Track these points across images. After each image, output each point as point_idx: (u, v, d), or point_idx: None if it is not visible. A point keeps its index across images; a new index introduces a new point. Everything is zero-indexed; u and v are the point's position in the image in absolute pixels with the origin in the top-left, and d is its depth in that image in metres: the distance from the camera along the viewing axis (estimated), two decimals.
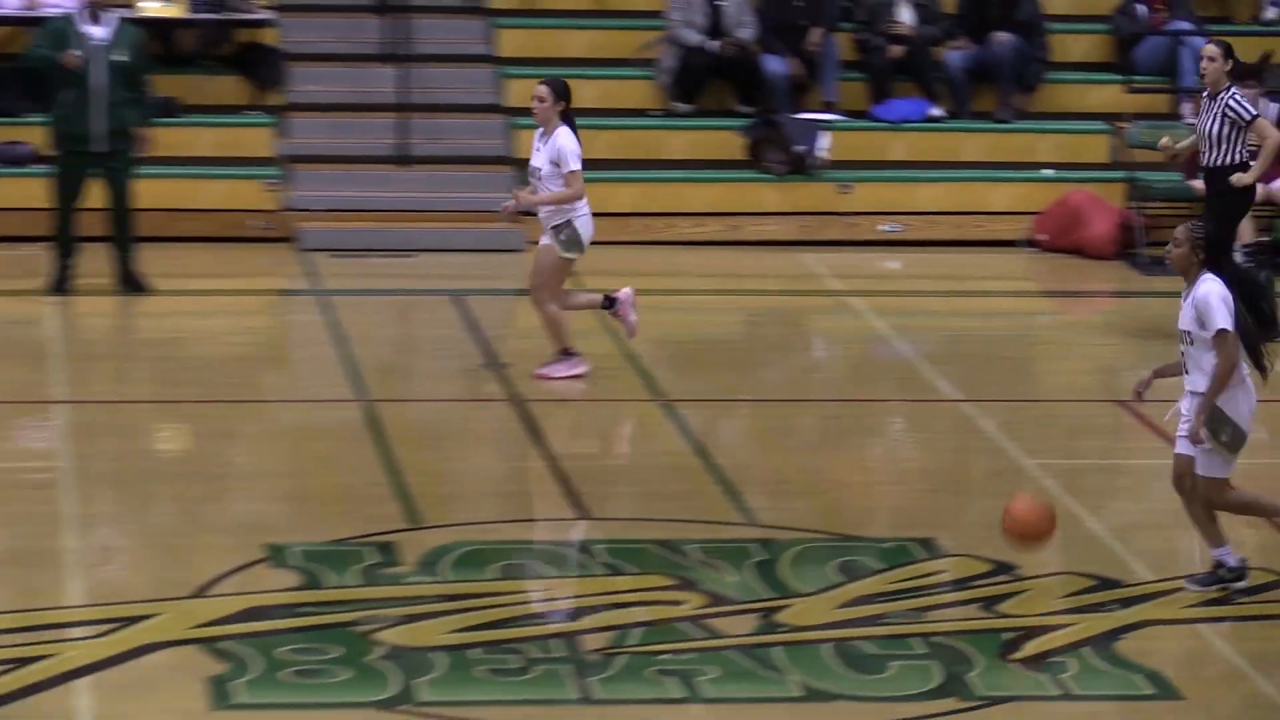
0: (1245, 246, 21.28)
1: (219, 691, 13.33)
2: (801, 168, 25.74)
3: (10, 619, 14.43)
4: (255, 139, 24.96)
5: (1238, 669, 14.15)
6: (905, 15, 27.36)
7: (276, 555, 15.62)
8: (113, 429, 19.01)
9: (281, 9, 25.77)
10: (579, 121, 18.35)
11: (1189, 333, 14.60)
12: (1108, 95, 27.20)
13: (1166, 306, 16.60)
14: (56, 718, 13.13)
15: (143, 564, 15.93)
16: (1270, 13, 27.94)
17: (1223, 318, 14.42)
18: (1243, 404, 14.91)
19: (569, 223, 18.69)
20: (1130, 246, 25.11)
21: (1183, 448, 14.93)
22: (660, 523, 16.10)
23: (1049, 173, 26.60)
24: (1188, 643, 14.72)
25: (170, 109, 23.76)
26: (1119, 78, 27.07)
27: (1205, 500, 15.06)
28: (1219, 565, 15.20)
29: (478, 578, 15.16)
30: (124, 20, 21.83)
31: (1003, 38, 26.67)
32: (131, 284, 21.98)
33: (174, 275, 22.63)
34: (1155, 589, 15.36)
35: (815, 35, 26.55)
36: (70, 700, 13.28)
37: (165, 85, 23.70)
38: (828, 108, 26.63)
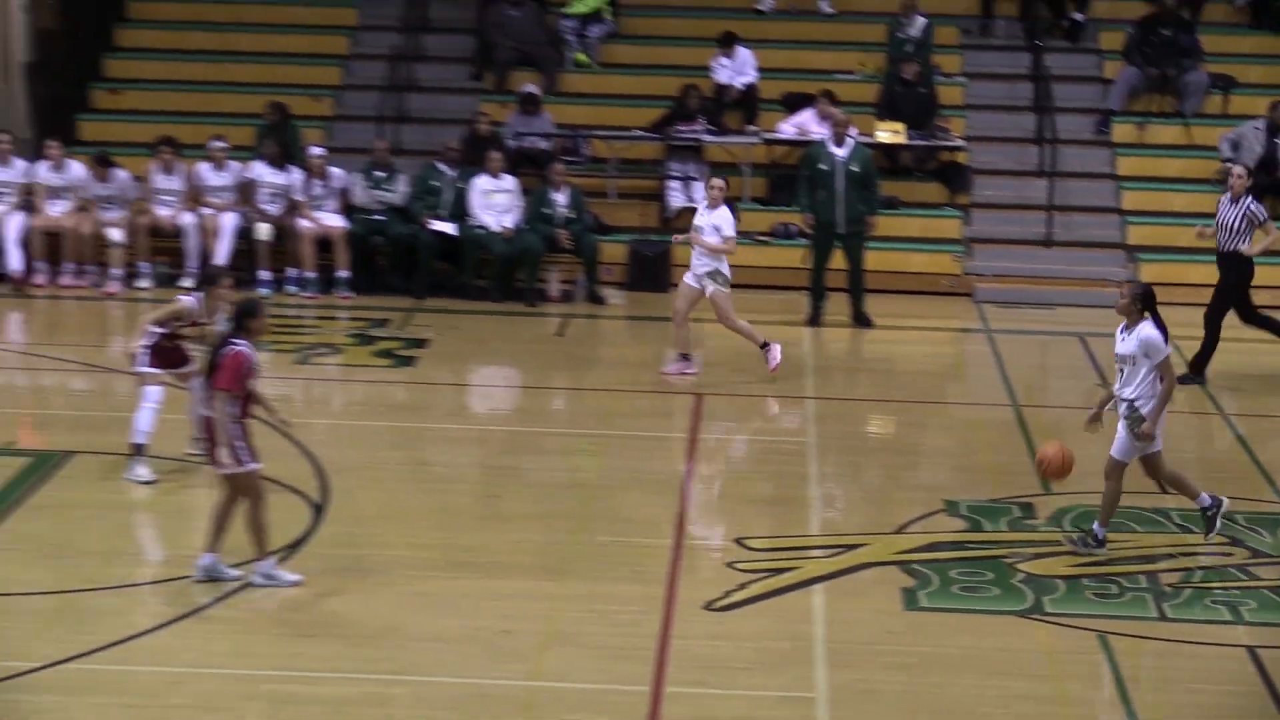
0: None
1: (909, 598, 13.87)
2: None
3: (770, 541, 15.00)
4: (948, 226, 24.49)
5: None
6: None
7: (950, 508, 15.91)
8: (842, 417, 19.12)
9: (970, 139, 25.33)
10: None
11: (1131, 357, 14.39)
12: None
13: None
14: (799, 610, 13.66)
15: (859, 509, 16.24)
16: None
17: (1166, 349, 14.36)
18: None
19: None
20: None
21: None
22: None
23: None
24: None
25: (891, 204, 23.54)
26: None
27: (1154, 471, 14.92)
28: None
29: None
30: (859, 143, 21.94)
31: None
32: (861, 321, 22.02)
33: (890, 316, 22.43)
34: None
35: None
36: (808, 600, 13.87)
37: (888, 187, 23.40)
38: None
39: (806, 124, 23.71)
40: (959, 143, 25.14)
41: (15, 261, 22.27)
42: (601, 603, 13.85)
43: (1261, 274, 20.52)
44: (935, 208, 24.96)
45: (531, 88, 24.43)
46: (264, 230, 22.44)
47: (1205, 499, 14.88)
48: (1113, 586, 14.16)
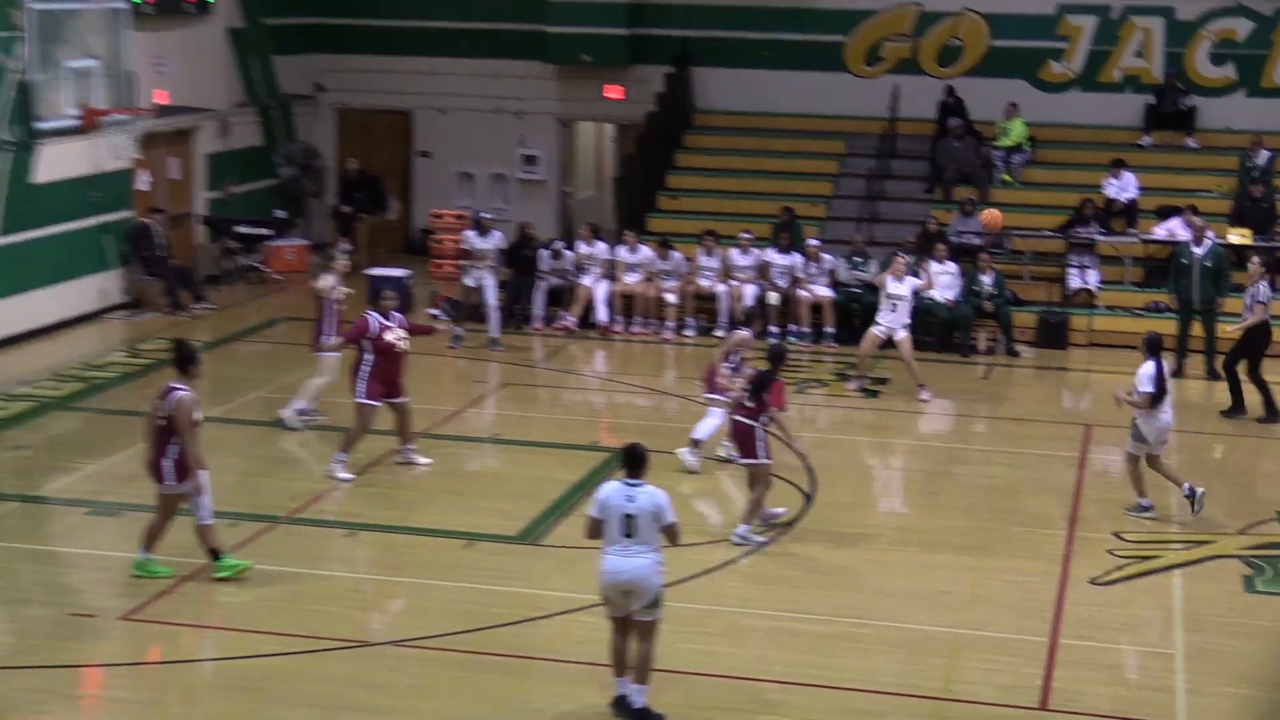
0: None
1: (1248, 584, 13.59)
2: None
3: (1141, 536, 14.64)
4: None
5: None
6: None
7: None
8: (1195, 446, 17.77)
9: None
10: None
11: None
12: None
13: None
14: (1162, 588, 13.40)
15: (1209, 515, 15.20)
16: None
17: (1144, 385, 14.76)
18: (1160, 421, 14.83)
19: None
20: None
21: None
22: None
23: None
24: None
25: (1238, 289, 22.57)
26: None
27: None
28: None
29: None
30: (1215, 243, 21.09)
31: None
32: (1212, 375, 20.49)
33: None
34: None
35: None
36: (1169, 581, 13.62)
37: (1238, 277, 21.70)
38: None
39: (1174, 229, 22.97)
40: None
41: (603, 315, 22.84)
42: (1012, 574, 13.77)
43: None
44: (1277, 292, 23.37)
45: (969, 198, 24.18)
46: (774, 297, 22.63)
47: None
48: None
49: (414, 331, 16.15)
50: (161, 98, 23.42)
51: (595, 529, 10.57)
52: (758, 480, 14.11)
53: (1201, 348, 21.07)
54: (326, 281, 17.07)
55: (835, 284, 22.92)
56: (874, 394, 19.90)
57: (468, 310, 21.82)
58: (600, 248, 23.30)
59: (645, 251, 23.31)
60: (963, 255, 22.98)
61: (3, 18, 18.47)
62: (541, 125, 27.86)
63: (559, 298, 23.44)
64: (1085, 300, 22.97)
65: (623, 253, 23.34)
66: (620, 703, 10.58)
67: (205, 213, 25.52)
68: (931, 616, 12.77)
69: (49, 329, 21.43)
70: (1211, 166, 25.30)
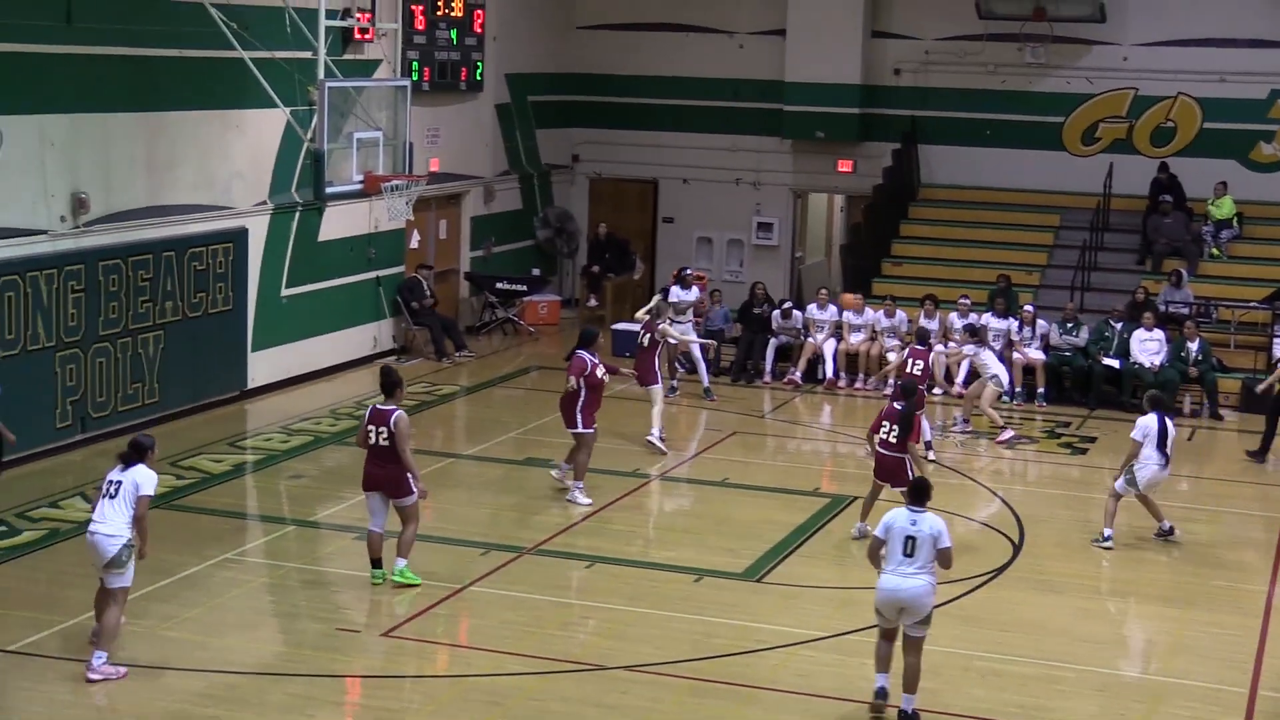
0: None
1: None
2: None
3: None
4: None
5: None
6: None
7: None
8: None
9: None
10: None
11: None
12: None
13: None
14: None
15: None
16: None
17: (1135, 433, 15.13)
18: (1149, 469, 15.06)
19: None
20: None
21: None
22: None
23: None
24: None
25: None
26: None
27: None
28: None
29: None
30: None
31: None
32: None
33: None
34: None
35: None
36: None
37: None
38: None
39: None
40: None
41: (830, 371, 22.67)
42: (1213, 626, 13.29)
43: None
44: None
45: (1177, 269, 23.48)
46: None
47: None
48: None
49: (608, 371, 16.54)
50: (435, 165, 24.01)
51: (876, 549, 11.00)
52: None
53: None
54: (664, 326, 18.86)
55: (1047, 347, 22.45)
56: (1083, 451, 19.40)
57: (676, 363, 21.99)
58: (830, 310, 23.16)
59: (869, 314, 23.12)
60: (1170, 323, 22.32)
61: (301, 95, 19.13)
62: (776, 195, 27.90)
63: (787, 354, 23.33)
64: None
65: (849, 315, 23.16)
66: (882, 693, 11.07)
67: (468, 269, 26.02)
68: (1132, 663, 12.38)
69: (327, 371, 22.01)
70: None
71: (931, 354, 19.31)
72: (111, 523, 11.20)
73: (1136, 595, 14.07)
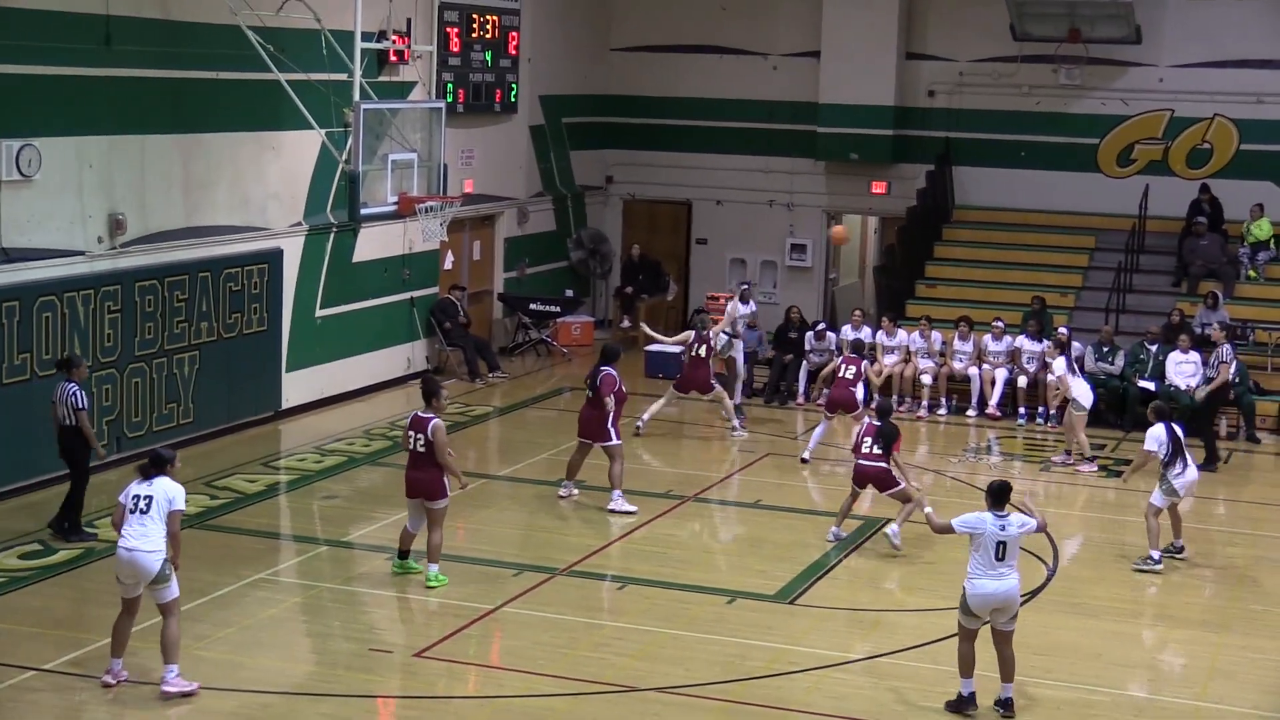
0: None
1: None
2: None
3: None
4: None
5: None
6: None
7: None
8: None
9: None
10: None
11: None
12: None
13: None
14: None
15: None
16: None
17: (1149, 445, 15.19)
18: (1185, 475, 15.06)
19: None
20: None
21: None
22: None
23: None
24: None
25: None
26: None
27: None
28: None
29: None
30: None
31: None
32: None
33: None
34: None
35: None
36: None
37: None
38: None
39: None
40: None
41: (862, 394, 22.51)
42: (1251, 651, 13.14)
43: None
44: None
45: (1212, 291, 23.37)
46: (1023, 380, 22.14)
47: None
48: None
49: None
50: (469, 187, 24.09)
51: (945, 531, 11.76)
52: (908, 497, 15.33)
53: None
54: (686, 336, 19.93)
55: (1081, 371, 22.32)
56: (1118, 474, 19.30)
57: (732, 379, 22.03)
58: (865, 332, 23.12)
59: (902, 335, 23.07)
60: (1207, 345, 22.19)
61: (337, 116, 19.24)
62: (809, 217, 27.87)
63: (821, 376, 23.32)
64: None
65: (882, 337, 23.12)
66: (971, 699, 11.43)
67: (502, 290, 26.08)
68: (1169, 688, 12.27)
69: (361, 391, 22.09)
70: None
71: (864, 363, 19.50)
72: (149, 539, 11.19)
73: (1172, 619, 13.97)
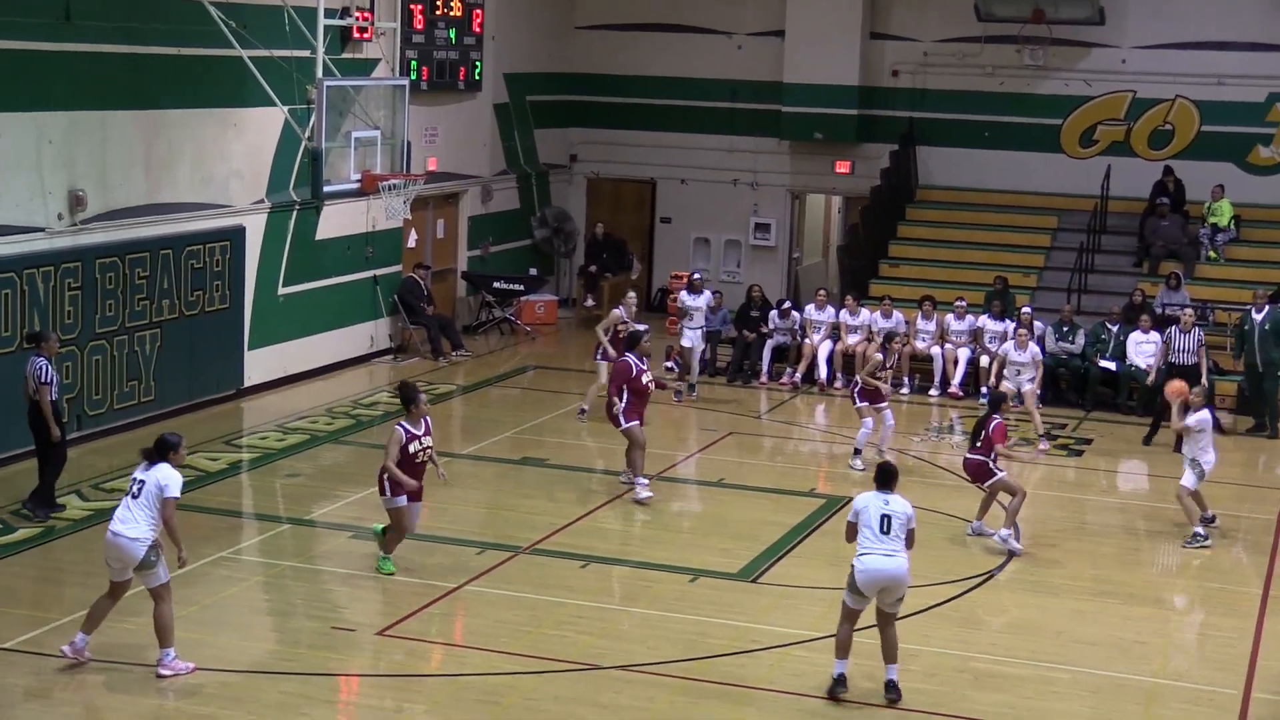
0: None
1: None
2: None
3: None
4: None
5: None
6: None
7: None
8: None
9: None
10: None
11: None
12: None
13: None
14: None
15: None
16: None
17: (1193, 423, 15.39)
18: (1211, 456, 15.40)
19: None
20: None
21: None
22: None
23: None
24: None
25: None
26: None
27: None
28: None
29: None
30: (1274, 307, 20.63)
31: None
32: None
33: None
34: None
35: None
36: None
37: None
38: None
39: None
40: None
41: (824, 373, 22.68)
42: (1208, 629, 13.26)
43: None
44: None
45: (1174, 272, 23.51)
46: (985, 360, 22.21)
47: None
48: None
49: (657, 385, 16.94)
50: (432, 165, 24.01)
51: (853, 534, 11.34)
52: (1010, 490, 15.16)
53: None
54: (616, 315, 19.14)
55: (1042, 350, 22.44)
56: (1079, 453, 19.42)
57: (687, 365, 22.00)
58: (828, 311, 23.14)
59: (865, 314, 23.13)
60: (1166, 326, 22.30)
61: (300, 93, 19.13)
62: (773, 196, 27.90)
63: (784, 355, 23.35)
64: None
65: (845, 316, 23.16)
66: (843, 680, 11.32)
67: (466, 269, 26.02)
68: (1127, 665, 12.36)
69: (324, 370, 22.02)
70: None
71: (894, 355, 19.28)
72: (134, 525, 11.08)
73: (1131, 597, 14.06)
